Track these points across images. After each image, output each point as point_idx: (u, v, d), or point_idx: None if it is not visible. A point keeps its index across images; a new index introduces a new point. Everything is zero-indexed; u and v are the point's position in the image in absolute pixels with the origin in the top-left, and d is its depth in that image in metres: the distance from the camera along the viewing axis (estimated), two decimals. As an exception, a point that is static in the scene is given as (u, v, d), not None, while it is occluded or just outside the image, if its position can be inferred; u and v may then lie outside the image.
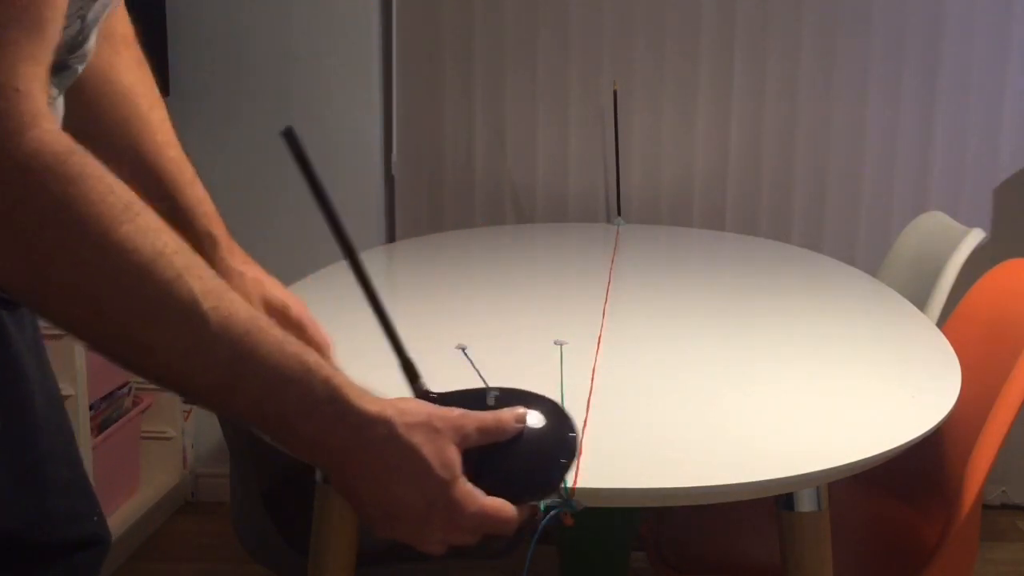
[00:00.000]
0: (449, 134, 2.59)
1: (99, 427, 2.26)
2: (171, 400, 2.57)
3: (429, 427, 0.70)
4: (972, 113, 2.47)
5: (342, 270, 2.03)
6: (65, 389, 2.08)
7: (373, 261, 2.08)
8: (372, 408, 0.68)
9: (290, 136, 0.77)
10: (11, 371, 0.86)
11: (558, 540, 1.60)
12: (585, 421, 1.05)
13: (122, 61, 0.97)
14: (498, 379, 1.18)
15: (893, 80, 2.47)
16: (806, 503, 1.04)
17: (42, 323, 0.86)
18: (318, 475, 1.11)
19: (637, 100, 2.53)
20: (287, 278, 1.74)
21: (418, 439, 0.69)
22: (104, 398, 2.31)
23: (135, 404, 2.47)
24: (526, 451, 0.75)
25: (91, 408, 2.19)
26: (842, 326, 1.55)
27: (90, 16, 0.80)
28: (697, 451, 1.01)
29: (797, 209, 2.54)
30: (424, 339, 1.42)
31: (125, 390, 2.42)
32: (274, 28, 2.55)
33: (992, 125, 2.47)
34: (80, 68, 0.85)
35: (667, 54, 2.51)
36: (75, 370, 2.09)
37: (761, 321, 1.55)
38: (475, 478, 0.72)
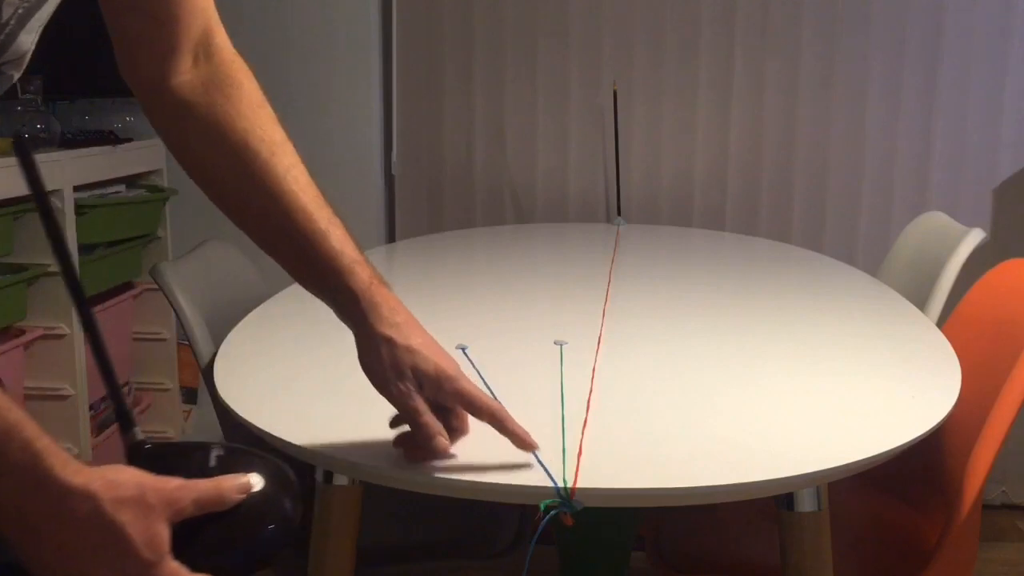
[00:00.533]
0: (449, 134, 2.59)
1: (99, 427, 2.26)
2: (171, 400, 2.57)
3: (140, 502, 0.65)
4: (972, 113, 2.47)
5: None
6: (65, 389, 2.08)
7: (373, 261, 2.07)
8: (76, 480, 0.63)
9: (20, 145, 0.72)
10: None
11: (558, 540, 1.60)
12: (585, 421, 1.06)
13: (234, 106, 0.94)
14: (498, 379, 1.18)
15: (893, 80, 2.47)
16: (806, 503, 1.04)
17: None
18: (318, 475, 1.11)
19: (637, 100, 2.53)
20: (284, 281, 1.74)
21: (125, 517, 0.64)
22: (104, 398, 2.31)
23: (135, 404, 2.47)
24: (239, 520, 0.69)
25: (91, 408, 2.19)
26: (842, 326, 1.55)
27: (6, 15, 0.77)
28: (697, 451, 1.01)
29: (797, 209, 2.54)
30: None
31: (125, 390, 2.42)
32: (274, 28, 2.55)
33: (992, 125, 2.47)
34: (15, 75, 0.83)
35: (667, 54, 2.51)
36: (75, 370, 2.09)
37: (761, 321, 1.55)
38: (183, 548, 0.66)
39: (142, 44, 0.90)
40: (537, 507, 0.89)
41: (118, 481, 0.65)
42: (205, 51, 0.96)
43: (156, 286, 1.47)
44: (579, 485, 0.90)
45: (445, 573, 1.60)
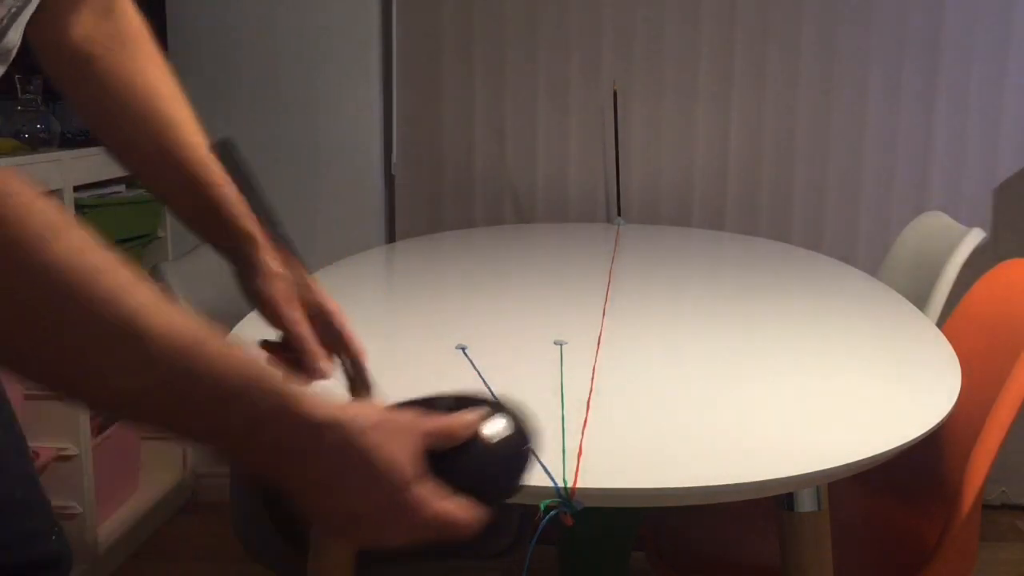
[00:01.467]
0: (449, 134, 2.59)
1: (99, 427, 2.26)
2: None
3: (382, 430, 0.68)
4: (972, 113, 2.47)
5: (339, 270, 2.03)
6: (65, 389, 2.08)
7: (373, 261, 2.08)
8: (321, 414, 0.65)
9: (225, 147, 0.76)
10: None
11: (558, 540, 1.60)
12: (585, 421, 1.06)
13: (136, 62, 0.97)
14: (498, 379, 1.18)
15: (893, 80, 2.47)
16: (806, 503, 1.05)
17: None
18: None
19: (637, 100, 2.53)
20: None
21: (371, 442, 0.66)
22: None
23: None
24: (486, 455, 0.73)
25: (91, 408, 2.19)
26: (842, 326, 1.55)
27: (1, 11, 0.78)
28: (697, 451, 1.01)
29: (797, 209, 2.54)
30: (424, 339, 1.42)
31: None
32: (274, 28, 2.55)
33: (992, 125, 2.47)
34: (2, 69, 0.84)
35: (667, 54, 2.51)
36: (75, 370, 2.08)
37: (761, 321, 1.55)
38: (435, 478, 0.70)
39: (45, 5, 0.91)
40: (537, 507, 0.89)
41: (360, 413, 0.67)
42: (106, 8, 0.98)
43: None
44: (579, 485, 0.90)
45: (445, 573, 1.60)
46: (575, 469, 0.93)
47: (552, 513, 0.88)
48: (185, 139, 0.96)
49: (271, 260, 0.97)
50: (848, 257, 2.39)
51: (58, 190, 2.00)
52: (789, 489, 1.02)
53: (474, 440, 0.72)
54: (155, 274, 1.49)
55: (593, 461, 0.95)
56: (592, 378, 1.20)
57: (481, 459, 0.73)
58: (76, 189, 2.06)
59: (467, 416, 0.73)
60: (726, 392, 1.20)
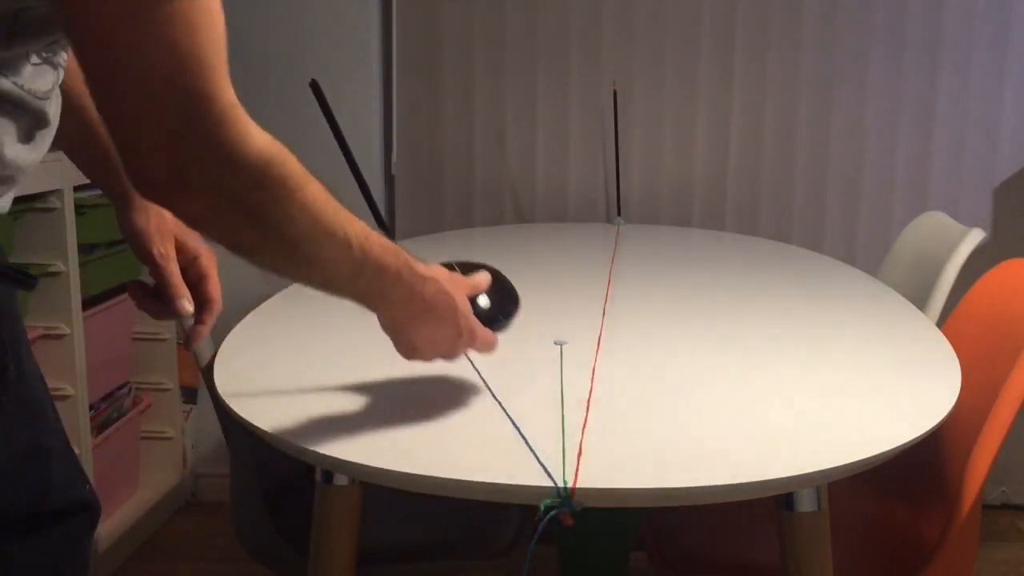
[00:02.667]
0: (449, 134, 2.59)
1: (99, 427, 2.26)
2: (171, 400, 2.58)
3: (453, 282, 1.02)
4: (972, 113, 2.47)
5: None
6: (65, 389, 2.08)
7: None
8: (426, 272, 0.98)
9: (316, 88, 0.99)
10: (21, 347, 0.96)
11: (558, 540, 1.60)
12: (585, 421, 1.06)
13: None
14: (498, 379, 1.18)
15: (893, 80, 2.47)
16: (806, 503, 1.05)
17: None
18: (318, 475, 1.11)
19: (637, 100, 2.53)
20: (284, 281, 1.74)
21: (450, 290, 1.00)
22: (104, 398, 2.31)
23: (135, 404, 2.47)
24: (492, 298, 1.12)
25: (91, 408, 2.19)
26: (842, 326, 1.55)
27: None
28: (697, 451, 1.01)
29: (797, 209, 2.54)
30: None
31: (125, 390, 2.42)
32: (273, 28, 2.55)
33: (992, 125, 2.47)
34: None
35: (667, 54, 2.51)
36: (75, 370, 2.09)
37: (761, 321, 1.55)
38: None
39: None
40: (537, 507, 0.89)
41: (439, 273, 1.01)
42: None
43: (156, 286, 1.47)
44: (579, 485, 0.90)
45: (445, 573, 1.60)
46: (575, 469, 0.93)
47: (552, 513, 0.88)
48: (81, 88, 1.04)
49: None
50: (848, 257, 2.39)
51: (58, 190, 2.00)
52: (789, 489, 1.02)
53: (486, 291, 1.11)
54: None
55: (593, 461, 0.95)
56: (592, 378, 1.20)
57: (492, 302, 1.12)
58: (76, 189, 2.06)
59: (483, 276, 1.11)
60: (726, 392, 1.20)
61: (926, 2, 2.44)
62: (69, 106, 1.03)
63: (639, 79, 2.52)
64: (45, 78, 0.89)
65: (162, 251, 1.10)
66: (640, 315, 1.56)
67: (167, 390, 2.56)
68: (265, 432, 1.04)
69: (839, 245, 2.51)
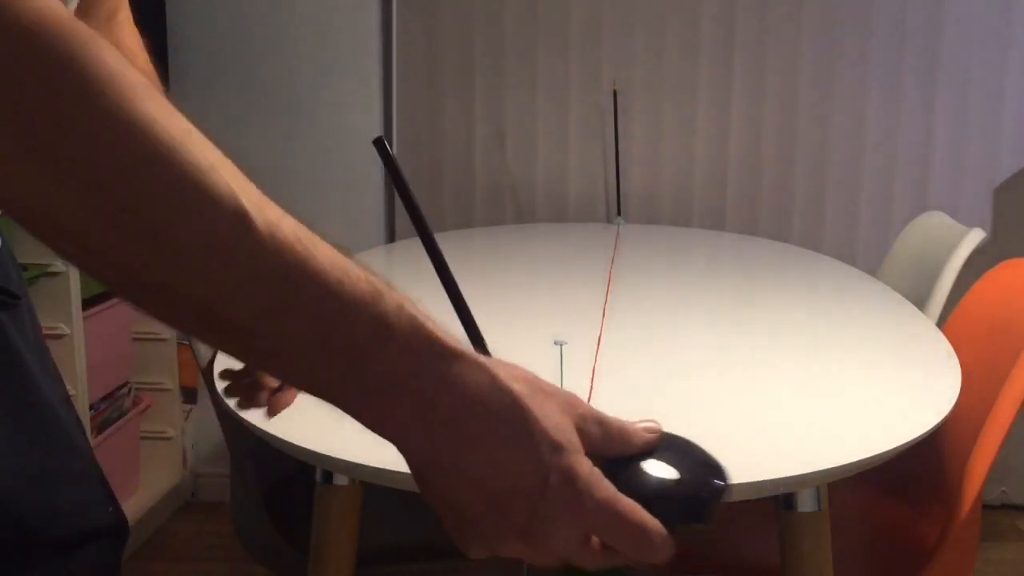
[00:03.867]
0: (449, 134, 2.59)
1: (99, 427, 2.26)
2: (171, 400, 2.57)
3: (536, 388, 0.55)
4: (972, 113, 2.47)
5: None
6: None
7: (373, 261, 2.08)
8: (465, 348, 0.53)
9: (380, 145, 0.66)
10: (13, 370, 0.85)
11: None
12: (585, 421, 1.05)
13: (120, 40, 0.99)
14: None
15: (893, 80, 2.47)
16: (806, 503, 1.04)
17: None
18: (318, 475, 1.11)
19: (637, 100, 2.53)
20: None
21: (526, 392, 0.54)
22: (104, 398, 2.31)
23: (135, 404, 2.47)
24: (671, 470, 0.60)
25: (91, 408, 2.19)
26: (842, 326, 1.55)
27: None
28: (697, 451, 1.01)
29: (797, 209, 2.54)
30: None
31: (125, 390, 2.42)
32: (274, 28, 2.55)
33: (992, 125, 2.47)
34: None
35: (667, 54, 2.51)
36: (75, 370, 2.09)
37: (761, 321, 1.55)
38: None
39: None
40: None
41: (506, 363, 0.56)
42: (108, 16, 0.98)
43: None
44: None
45: (445, 573, 1.60)
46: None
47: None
48: None
49: None
50: (848, 257, 2.39)
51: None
52: (789, 489, 1.02)
53: (655, 454, 0.61)
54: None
55: (593, 461, 0.95)
56: (592, 378, 1.20)
57: (666, 473, 0.60)
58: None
59: (643, 425, 0.62)
60: (726, 392, 1.20)
61: (926, 2, 2.43)
62: None
63: (639, 79, 2.52)
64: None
65: None
66: (640, 315, 1.55)
67: (167, 390, 2.56)
68: (265, 432, 1.04)
69: (839, 245, 2.50)
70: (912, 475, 1.51)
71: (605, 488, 0.53)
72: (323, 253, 0.51)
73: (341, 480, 1.10)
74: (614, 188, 2.50)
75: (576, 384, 1.18)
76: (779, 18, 2.47)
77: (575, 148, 2.56)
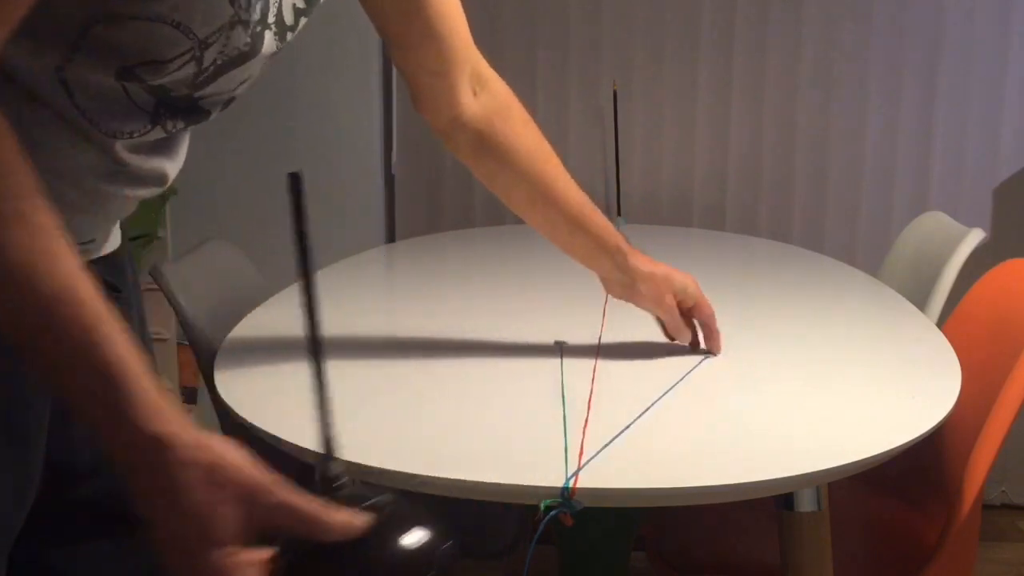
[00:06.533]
0: (449, 134, 2.58)
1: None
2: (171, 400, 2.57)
3: (209, 472, 0.62)
4: (972, 113, 2.47)
5: (339, 270, 2.02)
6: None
7: (373, 261, 2.08)
8: (153, 429, 0.63)
9: (294, 180, 0.73)
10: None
11: (558, 540, 1.60)
12: (586, 421, 1.05)
13: (513, 128, 1.25)
14: (498, 379, 1.18)
15: (893, 80, 2.47)
16: (806, 503, 1.05)
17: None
18: (318, 475, 1.11)
19: (637, 100, 2.53)
20: (293, 274, 1.74)
21: (185, 481, 0.62)
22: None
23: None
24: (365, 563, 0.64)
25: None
26: (842, 326, 1.55)
27: (207, 60, 0.84)
28: (697, 451, 1.01)
29: (797, 209, 2.54)
30: (424, 339, 1.42)
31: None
32: (274, 28, 2.55)
33: (992, 125, 2.47)
34: (215, 112, 0.96)
35: (667, 54, 2.51)
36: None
37: (761, 321, 1.55)
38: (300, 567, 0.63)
39: (433, 90, 1.19)
40: (537, 507, 0.89)
41: (202, 444, 0.63)
42: (479, 83, 1.23)
43: (156, 286, 1.47)
44: (579, 485, 0.90)
45: (445, 573, 1.59)
46: (575, 469, 0.93)
47: (552, 513, 0.88)
48: (559, 186, 1.25)
49: (640, 263, 1.24)
50: (848, 257, 2.38)
51: (58, 190, 1.99)
52: (789, 489, 1.02)
53: (358, 547, 0.64)
54: (155, 274, 1.49)
55: (593, 461, 0.95)
56: (592, 378, 1.20)
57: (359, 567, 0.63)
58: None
59: (337, 516, 0.64)
60: (726, 392, 1.20)
61: (926, 2, 2.43)
62: (554, 210, 1.27)
63: (639, 79, 2.52)
64: (132, 123, 0.85)
65: (662, 305, 1.24)
66: (640, 315, 1.55)
67: (167, 390, 2.56)
68: (265, 432, 1.04)
69: (839, 245, 2.50)
70: (912, 475, 1.51)
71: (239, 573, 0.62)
72: (76, 322, 0.63)
73: (341, 480, 1.10)
74: (614, 188, 2.50)
75: (576, 384, 1.18)
76: (779, 19, 2.47)
77: (575, 148, 2.56)
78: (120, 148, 0.86)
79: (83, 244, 0.91)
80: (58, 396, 0.65)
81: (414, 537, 0.67)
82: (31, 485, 0.88)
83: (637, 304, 1.27)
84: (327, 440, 0.70)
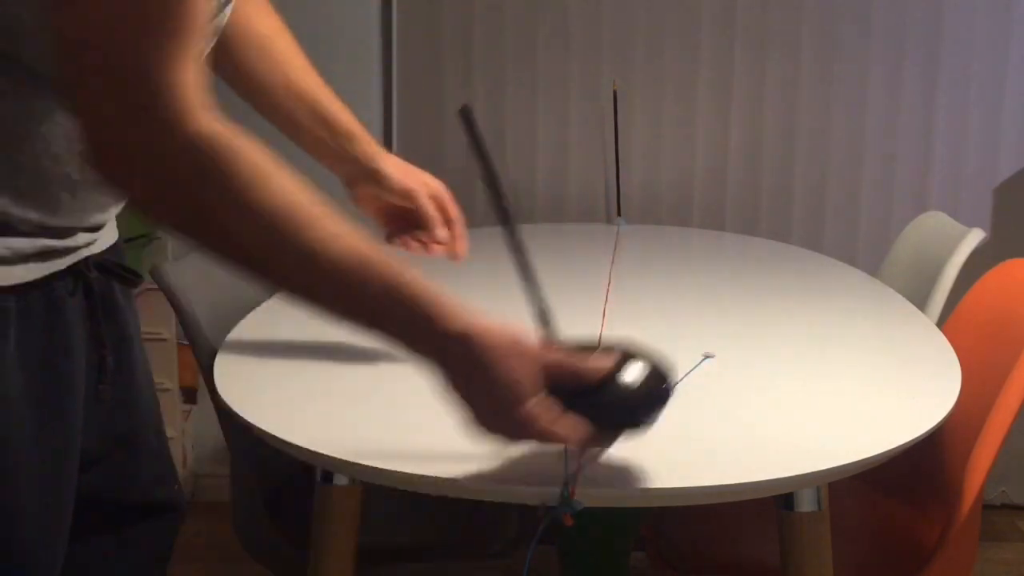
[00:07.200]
0: (449, 134, 2.58)
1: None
2: (171, 400, 2.58)
3: (506, 349, 0.81)
4: (972, 113, 2.46)
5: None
6: (65, 389, 2.08)
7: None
8: (454, 328, 0.80)
9: (466, 115, 0.95)
10: (125, 341, 1.00)
11: (558, 540, 1.60)
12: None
13: (257, 11, 1.17)
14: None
15: (893, 80, 2.47)
16: (806, 503, 1.05)
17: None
18: (318, 475, 1.11)
19: (637, 100, 2.53)
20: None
21: (493, 358, 0.80)
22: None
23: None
24: (618, 393, 0.85)
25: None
26: (842, 326, 1.55)
27: None
28: (697, 451, 1.01)
29: (797, 209, 2.54)
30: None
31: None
32: (274, 28, 2.55)
33: (992, 125, 2.47)
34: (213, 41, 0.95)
35: (667, 54, 2.51)
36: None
37: (761, 321, 1.55)
38: (569, 408, 0.83)
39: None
40: (537, 507, 0.89)
41: (491, 330, 0.82)
42: (267, 5, 1.18)
43: (156, 286, 1.47)
44: (579, 485, 0.90)
45: (445, 573, 1.60)
46: (576, 469, 0.93)
47: (552, 513, 0.88)
48: (297, 73, 1.24)
49: (373, 150, 1.26)
50: (848, 257, 2.38)
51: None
52: (789, 489, 1.02)
53: (610, 382, 0.85)
54: (155, 274, 1.49)
55: (593, 461, 0.95)
56: (592, 378, 1.20)
57: (614, 399, 0.85)
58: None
59: (599, 361, 0.86)
60: (726, 392, 1.20)
61: (926, 2, 2.43)
62: (316, 117, 1.24)
63: (639, 79, 2.52)
64: None
65: (419, 188, 1.24)
66: (640, 315, 1.56)
67: (167, 390, 2.56)
68: (265, 432, 1.04)
69: (839, 245, 2.50)
70: (912, 475, 1.51)
71: (534, 425, 0.81)
72: (383, 286, 0.80)
73: (341, 480, 1.10)
74: (614, 188, 2.50)
75: (576, 384, 1.17)
76: (779, 19, 2.47)
77: (575, 148, 2.56)
78: None
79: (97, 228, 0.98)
80: (381, 340, 0.81)
81: (642, 372, 0.87)
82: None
83: (387, 198, 1.25)
84: (541, 312, 0.97)
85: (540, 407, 0.81)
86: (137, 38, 0.71)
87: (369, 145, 1.26)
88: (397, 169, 1.26)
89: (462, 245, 1.29)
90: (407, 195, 1.25)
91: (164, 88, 0.72)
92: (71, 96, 0.74)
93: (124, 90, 0.72)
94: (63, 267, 0.90)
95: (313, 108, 1.24)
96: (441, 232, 1.27)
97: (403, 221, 1.27)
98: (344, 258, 0.79)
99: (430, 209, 1.26)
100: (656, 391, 0.87)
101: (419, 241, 1.27)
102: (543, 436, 0.82)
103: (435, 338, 0.80)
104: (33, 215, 0.85)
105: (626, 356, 0.88)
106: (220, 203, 0.75)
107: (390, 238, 1.27)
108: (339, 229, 0.79)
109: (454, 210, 1.30)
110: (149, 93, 0.72)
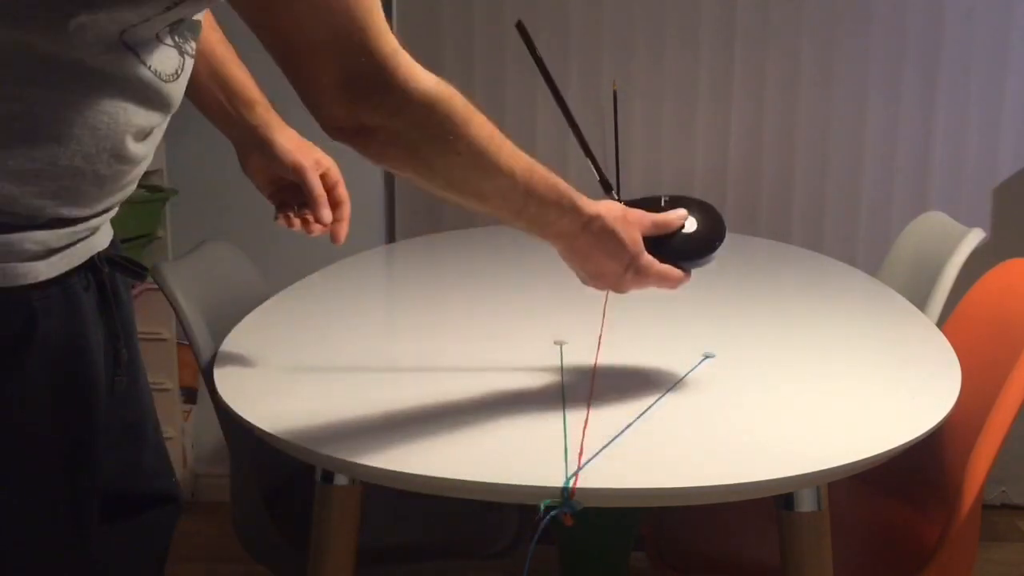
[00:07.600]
0: (449, 134, 2.58)
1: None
2: (171, 400, 2.58)
3: (624, 220, 1.08)
4: (972, 113, 2.47)
5: (339, 270, 2.03)
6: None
7: (373, 261, 2.08)
8: (591, 209, 1.06)
9: (521, 29, 1.22)
10: (130, 335, 1.03)
11: (558, 540, 1.60)
12: (586, 421, 1.06)
13: (215, 33, 1.22)
14: (499, 379, 1.18)
15: (893, 80, 2.47)
16: (806, 503, 1.05)
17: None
18: (318, 475, 1.11)
19: (637, 100, 2.53)
20: (293, 274, 1.74)
21: (617, 227, 1.07)
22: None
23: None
24: (688, 235, 1.13)
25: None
26: (842, 326, 1.55)
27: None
28: (697, 451, 1.01)
29: (797, 209, 2.54)
30: (424, 339, 1.42)
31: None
32: (274, 28, 2.55)
33: (992, 125, 2.47)
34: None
35: (667, 54, 2.51)
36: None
37: (761, 321, 1.55)
38: (654, 253, 1.11)
39: None
40: (537, 507, 0.89)
41: (611, 208, 1.09)
42: None
43: (156, 286, 1.47)
44: (579, 485, 0.90)
45: (445, 573, 1.60)
46: (575, 469, 0.93)
47: (552, 513, 0.88)
48: (232, 65, 1.23)
49: (273, 118, 1.23)
50: (848, 257, 2.38)
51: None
52: (789, 489, 1.02)
53: (682, 228, 1.13)
54: (155, 274, 1.49)
55: (593, 461, 0.95)
56: (592, 378, 1.20)
57: (683, 239, 1.13)
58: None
59: (676, 212, 1.14)
60: (726, 392, 1.20)
61: (926, 2, 2.43)
62: (215, 79, 1.21)
63: (639, 79, 2.52)
64: (171, 62, 0.93)
65: (309, 164, 1.23)
66: (640, 315, 1.56)
67: (167, 390, 2.56)
68: (265, 432, 1.04)
69: (839, 245, 2.50)
70: (912, 475, 1.51)
71: (651, 267, 1.11)
72: (545, 185, 1.05)
73: (341, 480, 1.10)
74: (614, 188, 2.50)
75: (576, 384, 1.18)
76: (779, 19, 2.47)
77: (575, 148, 2.56)
78: (170, 92, 0.94)
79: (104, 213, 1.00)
80: (535, 227, 1.07)
81: (700, 214, 1.15)
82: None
83: (277, 170, 1.24)
84: (603, 179, 1.28)
85: (648, 259, 1.09)
86: (360, 28, 0.85)
87: (267, 115, 1.22)
88: (290, 142, 1.23)
89: (343, 228, 1.26)
90: (296, 170, 1.22)
91: (391, 58, 0.87)
92: (316, 92, 0.90)
93: (363, 72, 0.86)
94: (79, 262, 0.92)
95: (214, 69, 1.20)
96: (324, 212, 1.23)
97: (292, 195, 1.26)
98: (524, 170, 1.02)
99: (317, 187, 1.23)
100: (716, 228, 1.14)
101: (302, 218, 1.25)
102: (657, 281, 1.11)
103: (581, 217, 1.06)
104: (63, 210, 0.87)
105: (684, 203, 1.14)
106: (448, 138, 0.93)
107: (277, 210, 1.27)
108: (513, 148, 1.01)
109: (343, 192, 1.28)
110: (384, 68, 0.87)
